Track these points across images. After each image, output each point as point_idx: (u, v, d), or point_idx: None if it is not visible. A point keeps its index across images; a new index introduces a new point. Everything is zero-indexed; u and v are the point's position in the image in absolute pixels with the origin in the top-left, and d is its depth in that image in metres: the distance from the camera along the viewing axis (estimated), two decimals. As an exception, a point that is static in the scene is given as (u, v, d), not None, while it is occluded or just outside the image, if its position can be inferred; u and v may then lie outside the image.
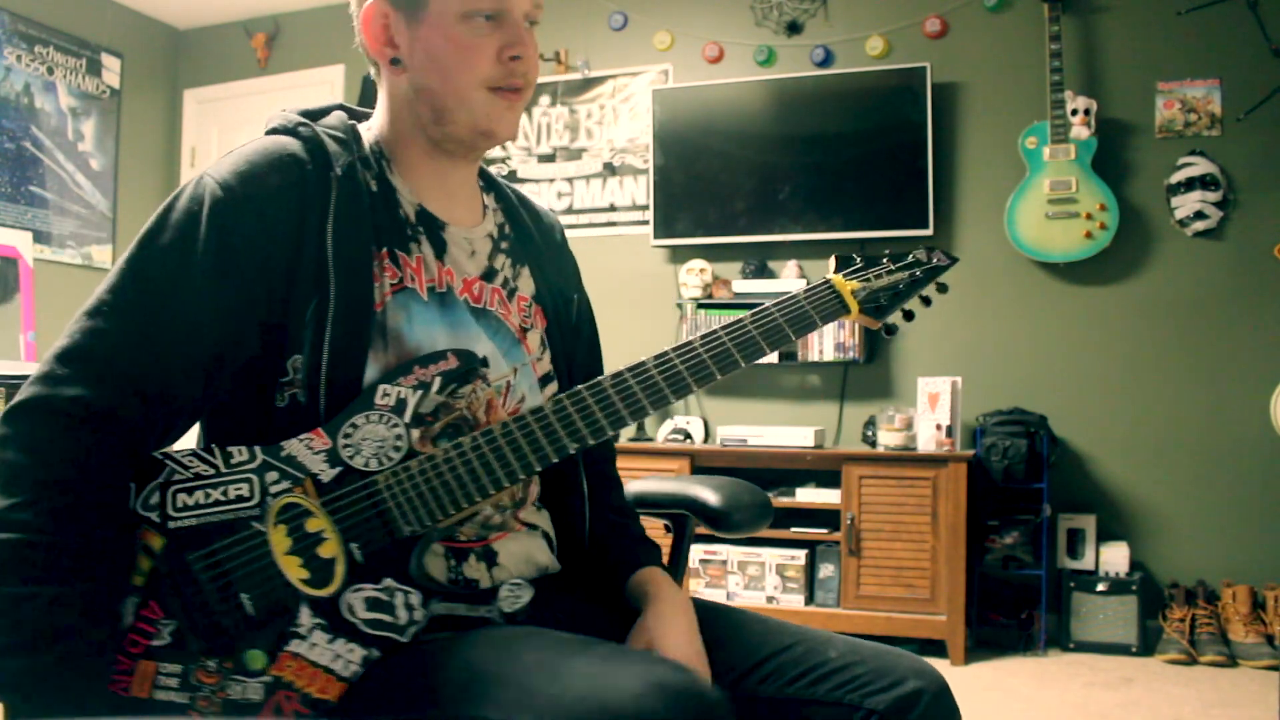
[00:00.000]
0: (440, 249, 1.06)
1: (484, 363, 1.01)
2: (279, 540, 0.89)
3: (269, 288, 0.94)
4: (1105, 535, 3.68)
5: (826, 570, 3.62)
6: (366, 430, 0.93)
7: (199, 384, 0.93)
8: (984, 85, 3.98)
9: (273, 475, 0.91)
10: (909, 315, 1.17)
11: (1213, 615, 3.43)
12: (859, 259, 1.15)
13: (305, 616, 0.88)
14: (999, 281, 3.90)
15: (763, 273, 4.16)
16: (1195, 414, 3.66)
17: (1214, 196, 3.66)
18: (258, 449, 0.92)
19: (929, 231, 3.91)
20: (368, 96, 4.85)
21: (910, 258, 1.15)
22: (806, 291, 1.07)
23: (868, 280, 1.12)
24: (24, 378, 2.54)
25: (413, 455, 0.93)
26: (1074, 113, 3.75)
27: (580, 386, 0.98)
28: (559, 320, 1.17)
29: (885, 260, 1.14)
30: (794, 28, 4.26)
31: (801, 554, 3.65)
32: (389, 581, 0.90)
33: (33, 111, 4.70)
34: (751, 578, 3.67)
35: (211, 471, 0.91)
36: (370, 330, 0.96)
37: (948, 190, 3.98)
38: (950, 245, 3.98)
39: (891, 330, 1.15)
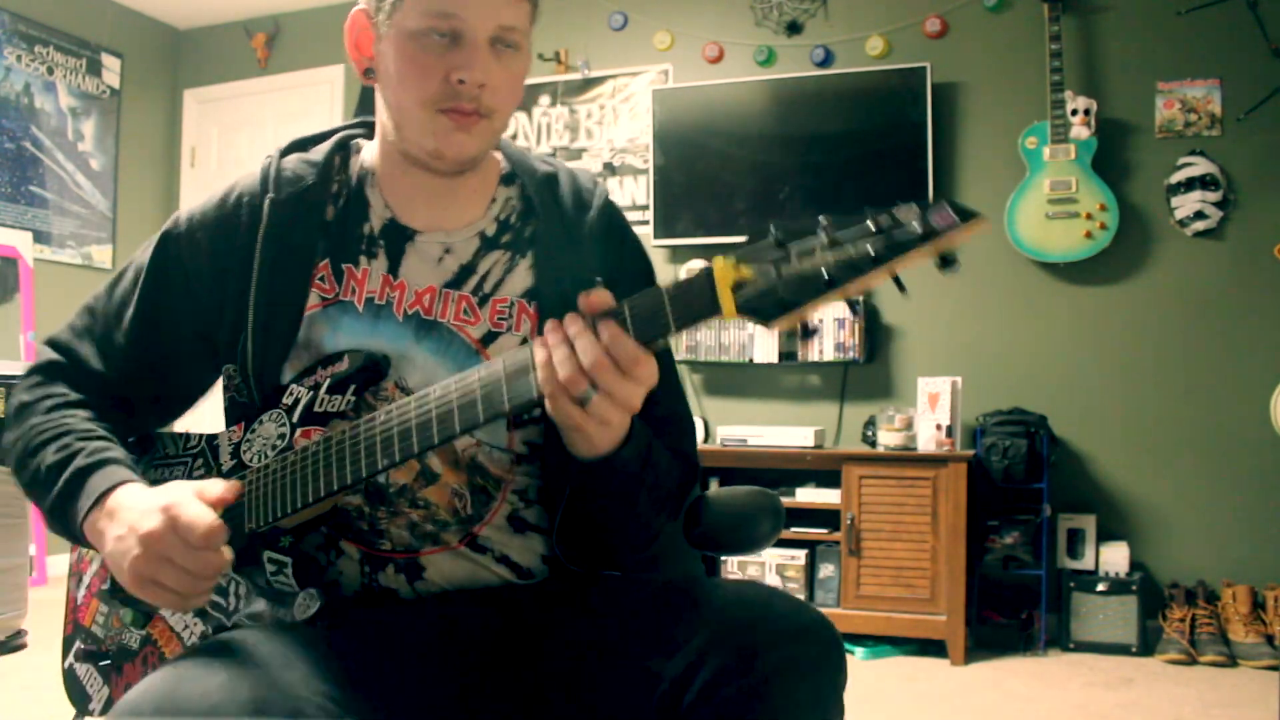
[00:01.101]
0: (396, 261, 1.08)
1: (384, 362, 1.03)
2: None
3: (196, 305, 1.08)
4: (1105, 535, 3.68)
5: (826, 570, 3.63)
6: (264, 428, 1.02)
7: (142, 380, 1.10)
8: (984, 85, 3.98)
9: (199, 461, 1.07)
10: (900, 285, 0.85)
11: (1213, 615, 3.43)
12: (776, 230, 0.80)
13: None
14: (999, 281, 3.90)
15: (763, 273, 4.15)
16: (1195, 414, 3.66)
17: (1214, 196, 3.66)
18: (204, 435, 1.07)
19: (929, 231, 3.90)
20: (367, 100, 4.86)
21: (879, 220, 0.79)
22: (679, 282, 0.82)
23: (776, 262, 0.79)
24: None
25: (281, 457, 0.98)
26: (1074, 113, 3.75)
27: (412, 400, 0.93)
28: (567, 308, 1.02)
29: (824, 228, 0.79)
30: (794, 28, 4.26)
31: (801, 554, 3.65)
32: (230, 571, 0.98)
33: (33, 111, 4.70)
34: (751, 577, 3.67)
35: (172, 451, 1.11)
36: (290, 340, 1.04)
37: (948, 190, 3.98)
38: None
39: (807, 334, 0.90)
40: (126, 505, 0.93)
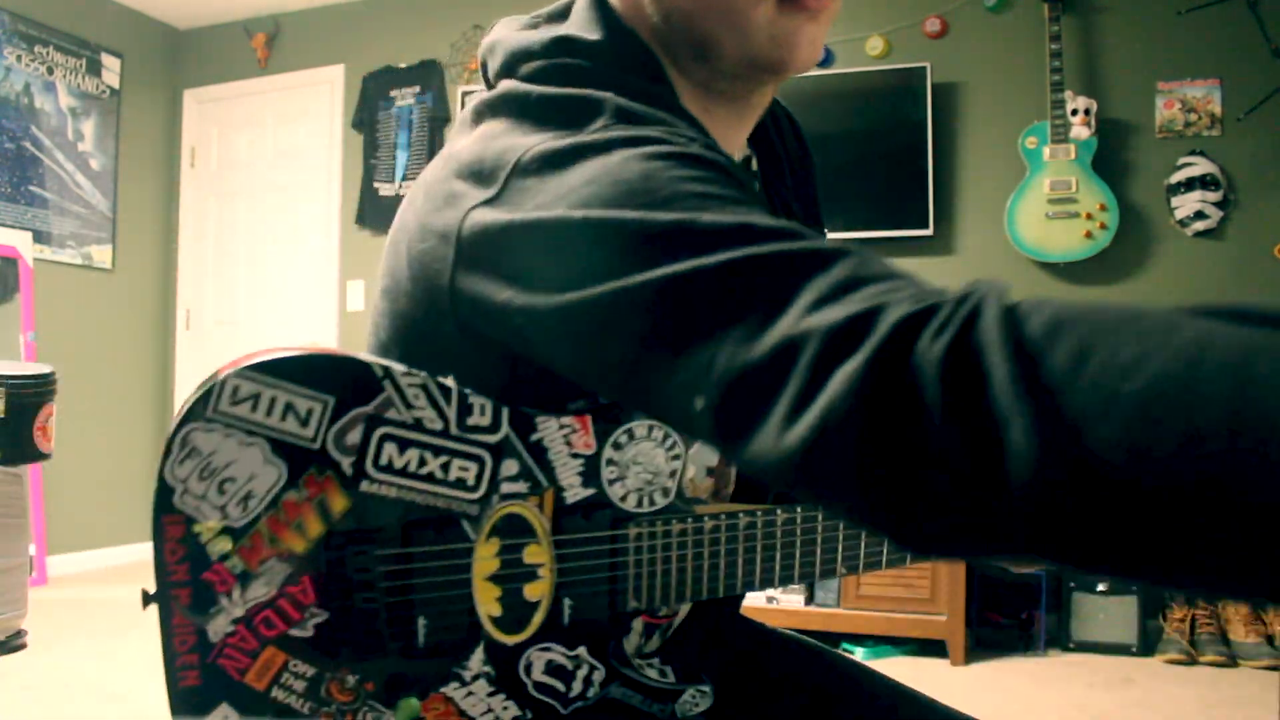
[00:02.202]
0: None
1: None
2: (484, 558, 0.69)
3: None
4: (1105, 535, 3.68)
5: (826, 570, 3.62)
6: (641, 449, 0.71)
7: None
8: (984, 85, 3.98)
9: (511, 465, 0.68)
10: None
11: (1213, 615, 3.43)
12: None
13: (475, 660, 0.70)
14: (999, 281, 3.90)
15: (763, 273, 4.16)
16: (1195, 414, 3.66)
17: (1214, 196, 3.66)
18: (505, 412, 0.68)
19: (929, 231, 3.91)
20: (367, 97, 4.85)
21: None
22: None
23: None
24: (24, 378, 2.54)
25: (676, 511, 0.72)
26: (1074, 113, 3.75)
27: None
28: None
29: None
30: (794, 28, 4.26)
31: (801, 554, 3.64)
32: (582, 650, 0.72)
33: (33, 111, 4.70)
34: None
35: (439, 426, 0.67)
36: None
37: (948, 190, 3.99)
38: (950, 245, 3.98)
39: None
40: None
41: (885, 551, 0.75)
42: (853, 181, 4.03)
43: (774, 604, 3.62)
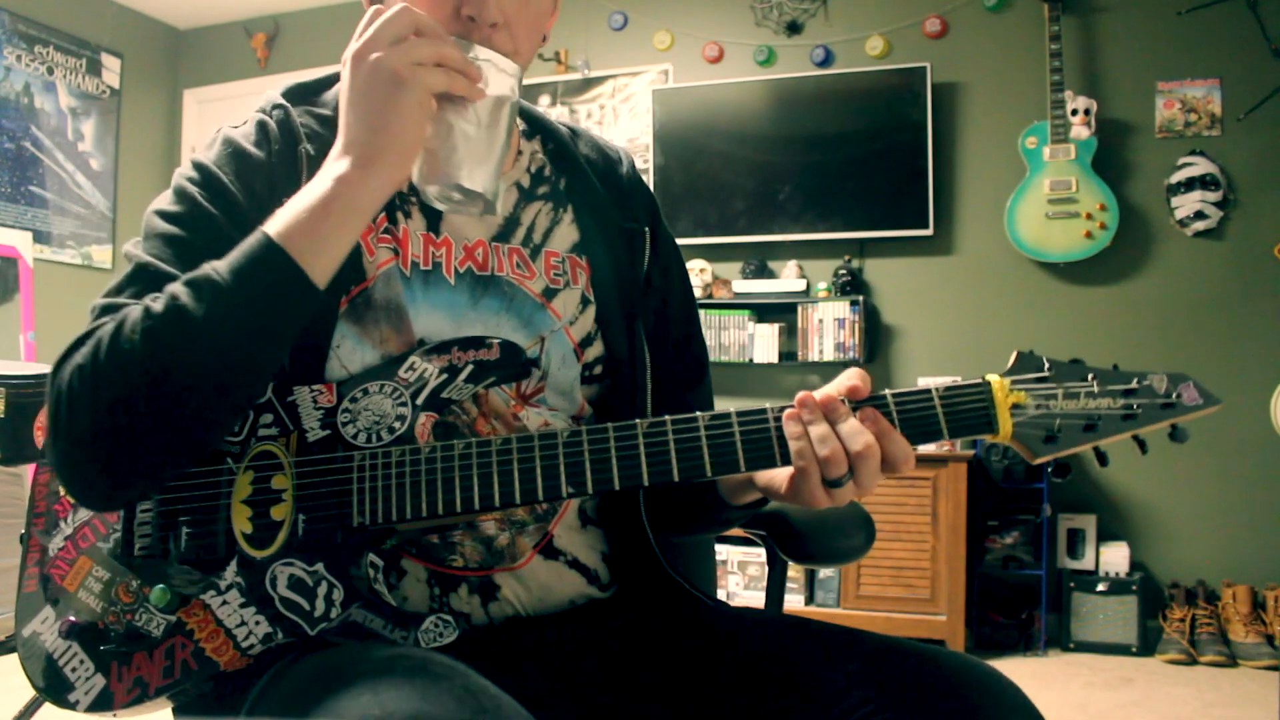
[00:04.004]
0: (435, 217, 0.96)
1: (534, 363, 0.93)
2: (241, 485, 0.84)
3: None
4: (1105, 535, 3.68)
5: (826, 570, 3.62)
6: (373, 401, 0.87)
7: None
8: (984, 85, 3.98)
9: (268, 417, 0.86)
10: (1103, 458, 0.87)
11: (1213, 615, 3.43)
12: (1049, 365, 0.84)
13: (230, 571, 0.83)
14: (999, 281, 3.90)
15: (763, 273, 4.16)
16: (1195, 414, 3.66)
17: (1214, 196, 3.66)
18: (271, 385, 0.87)
19: (929, 231, 3.91)
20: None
21: (1134, 382, 0.84)
22: (950, 389, 0.83)
23: (1045, 396, 0.83)
24: (24, 378, 2.54)
25: (405, 442, 0.85)
26: (1074, 113, 3.75)
27: (608, 425, 0.84)
28: (616, 263, 1.04)
29: (1091, 376, 0.84)
30: (794, 28, 4.26)
31: (801, 554, 3.64)
32: (320, 566, 0.83)
33: (33, 111, 4.70)
34: (751, 578, 3.67)
35: None
36: (332, 311, 0.89)
37: (948, 190, 3.98)
38: (950, 245, 3.98)
39: (1063, 471, 0.93)
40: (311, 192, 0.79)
41: (616, 475, 0.83)
42: (853, 181, 4.03)
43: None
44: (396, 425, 0.86)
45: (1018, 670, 3.30)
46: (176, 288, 0.77)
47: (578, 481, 0.82)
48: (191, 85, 5.40)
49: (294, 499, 0.84)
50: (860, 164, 4.03)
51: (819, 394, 0.83)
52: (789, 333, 4.06)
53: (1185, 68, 3.73)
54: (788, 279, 4.09)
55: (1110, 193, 3.71)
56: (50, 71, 4.77)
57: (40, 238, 4.71)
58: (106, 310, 0.82)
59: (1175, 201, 3.71)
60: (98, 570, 0.87)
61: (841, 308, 3.94)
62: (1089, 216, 3.71)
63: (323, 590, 0.82)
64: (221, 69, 5.31)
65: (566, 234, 1.03)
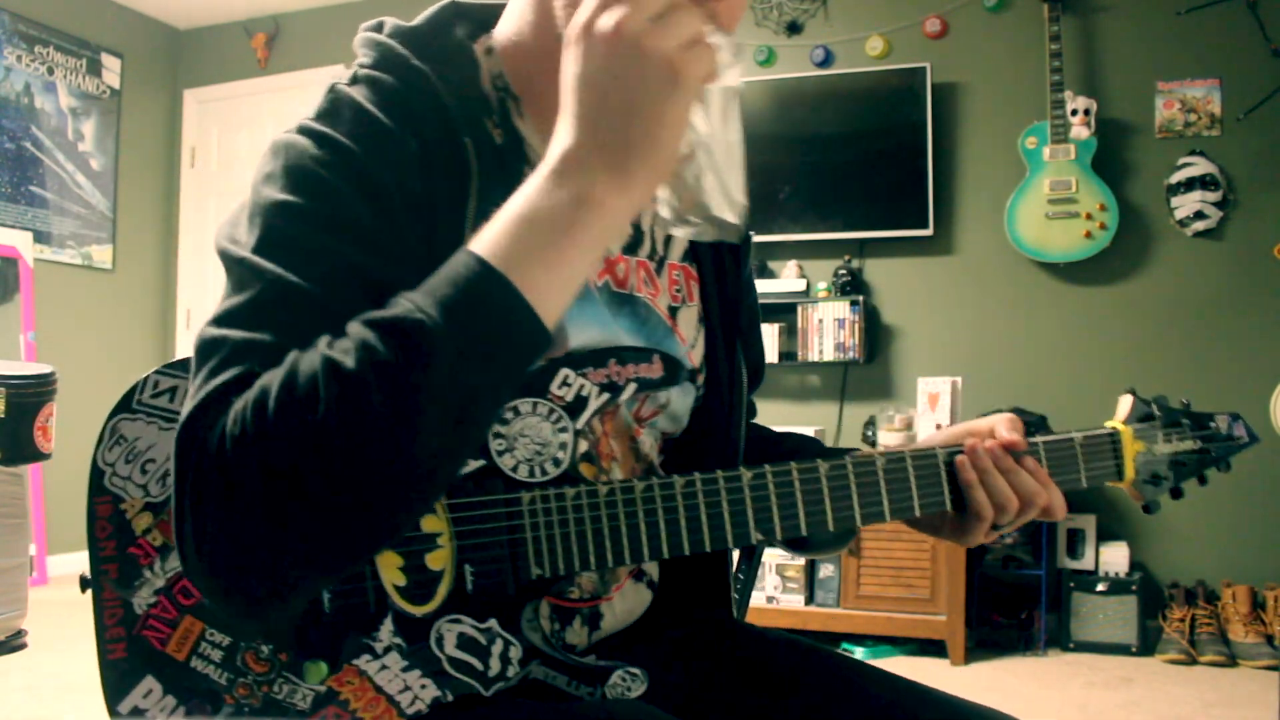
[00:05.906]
0: None
1: (689, 377, 0.86)
2: None
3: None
4: (1105, 535, 3.68)
5: (826, 570, 3.62)
6: (528, 424, 0.74)
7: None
8: (984, 85, 3.98)
9: None
10: (1178, 492, 0.95)
11: (1213, 615, 3.43)
12: (1157, 409, 0.94)
13: (386, 631, 0.71)
14: (999, 281, 3.90)
15: (763, 273, 4.16)
16: (1195, 414, 3.66)
17: (1214, 196, 3.66)
18: None
19: (929, 231, 3.91)
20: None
21: (1213, 424, 0.97)
22: (1088, 439, 0.89)
23: (1153, 442, 0.92)
24: (24, 378, 2.54)
25: (568, 478, 0.75)
26: (1074, 113, 3.75)
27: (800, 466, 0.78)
28: (719, 269, 0.93)
29: (1184, 420, 0.95)
30: (794, 28, 4.26)
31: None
32: (493, 623, 0.72)
33: (33, 111, 4.70)
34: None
35: None
36: None
37: (948, 190, 3.99)
38: (950, 245, 3.98)
39: (1153, 508, 0.95)
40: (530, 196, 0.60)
41: (803, 520, 0.77)
42: (853, 181, 4.03)
43: (774, 604, 3.62)
44: (560, 456, 0.75)
45: (1018, 670, 3.30)
46: (365, 334, 0.57)
47: (765, 528, 0.75)
48: (192, 85, 5.40)
49: (454, 545, 0.72)
50: (860, 164, 4.03)
51: (987, 444, 0.84)
52: (789, 333, 4.06)
53: (1185, 68, 3.73)
54: (787, 279, 4.09)
55: (1110, 193, 3.72)
56: (50, 72, 4.77)
57: (40, 238, 4.71)
58: (241, 351, 0.61)
59: (1175, 201, 3.71)
60: (212, 634, 0.72)
61: (841, 308, 3.94)
62: (1089, 216, 3.71)
63: (498, 648, 0.73)
64: (222, 69, 5.31)
65: (680, 241, 0.91)
